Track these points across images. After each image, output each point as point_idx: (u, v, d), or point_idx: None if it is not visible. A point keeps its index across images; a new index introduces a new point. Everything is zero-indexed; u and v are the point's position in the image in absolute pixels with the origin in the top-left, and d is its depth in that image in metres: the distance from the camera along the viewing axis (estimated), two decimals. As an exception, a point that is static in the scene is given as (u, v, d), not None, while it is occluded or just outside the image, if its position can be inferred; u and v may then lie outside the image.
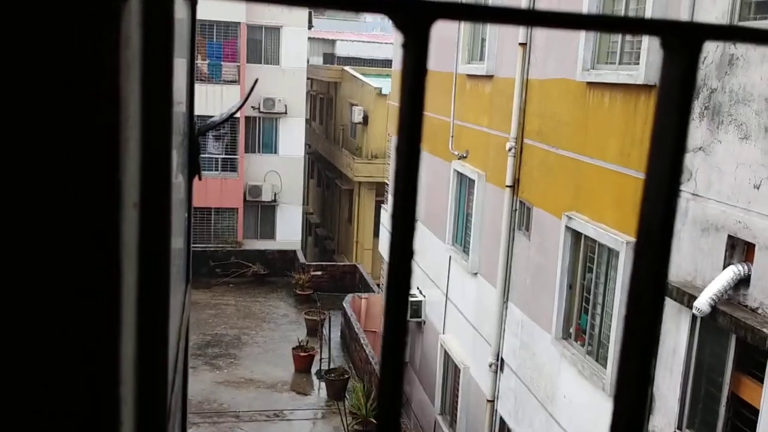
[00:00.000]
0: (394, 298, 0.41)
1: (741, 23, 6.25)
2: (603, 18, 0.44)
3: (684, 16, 6.79)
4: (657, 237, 0.45)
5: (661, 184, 0.44)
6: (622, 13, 8.11)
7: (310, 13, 27.18)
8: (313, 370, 17.74)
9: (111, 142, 0.51)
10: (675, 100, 0.43)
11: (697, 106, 6.68)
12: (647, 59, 7.33)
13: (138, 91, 0.63)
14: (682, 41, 0.43)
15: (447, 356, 13.27)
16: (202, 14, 24.60)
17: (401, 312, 0.41)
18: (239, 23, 25.42)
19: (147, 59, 0.66)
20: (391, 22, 0.39)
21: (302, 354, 17.67)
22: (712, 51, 6.45)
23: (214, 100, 24.84)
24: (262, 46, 26.31)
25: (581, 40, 8.61)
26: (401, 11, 0.38)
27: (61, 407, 0.52)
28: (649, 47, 7.32)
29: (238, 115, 25.29)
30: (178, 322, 1.31)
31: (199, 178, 1.74)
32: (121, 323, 0.54)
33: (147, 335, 0.68)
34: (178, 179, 1.33)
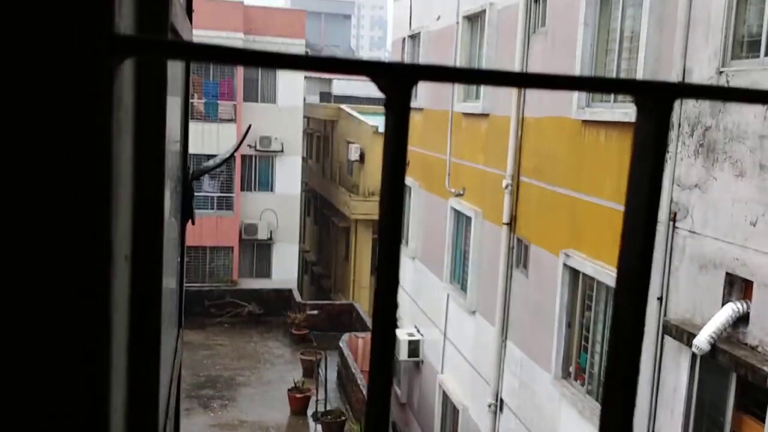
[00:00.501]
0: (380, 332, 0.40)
1: (733, 61, 6.32)
2: (577, 79, 0.48)
3: (677, 55, 6.87)
4: (635, 283, 0.47)
5: (637, 235, 0.46)
6: (616, 55, 8.21)
7: (306, 52, 27.46)
8: (309, 411, 17.48)
9: (101, 200, 0.52)
10: (648, 157, 0.46)
11: (692, 144, 6.72)
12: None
13: (130, 148, 0.63)
14: (654, 100, 0.45)
15: (445, 397, 13.11)
16: (199, 54, 24.93)
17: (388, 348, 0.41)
18: (236, 63, 25.66)
19: (140, 118, 0.67)
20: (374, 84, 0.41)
21: (298, 395, 17.44)
22: (705, 89, 6.51)
23: (210, 139, 24.96)
24: (259, 84, 26.55)
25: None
26: (383, 75, 0.40)
27: None
28: (643, 86, 7.38)
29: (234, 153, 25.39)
30: (170, 368, 1.28)
31: (192, 223, 1.72)
32: (110, 375, 0.55)
33: (138, 386, 0.66)
34: (170, 223, 1.32)
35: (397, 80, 0.40)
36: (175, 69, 1.44)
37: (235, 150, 2.77)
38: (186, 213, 1.66)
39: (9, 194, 0.49)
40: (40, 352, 0.51)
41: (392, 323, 0.43)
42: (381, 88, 0.40)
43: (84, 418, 0.51)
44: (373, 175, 25.35)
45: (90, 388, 0.51)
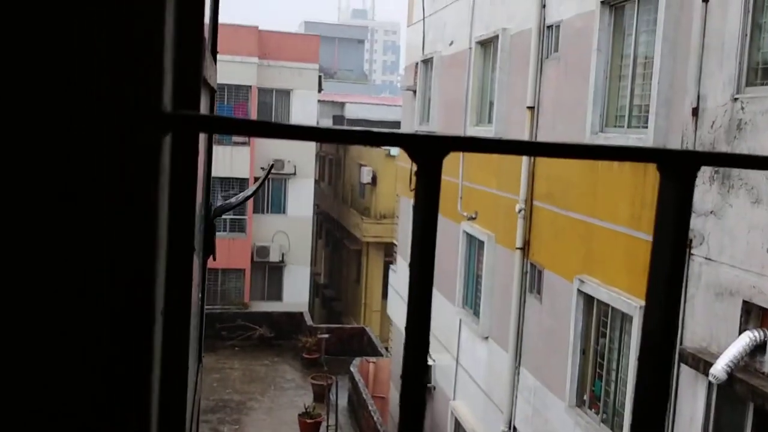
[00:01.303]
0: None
1: (748, 88, 6.29)
2: (602, 147, 0.48)
3: (691, 82, 6.85)
4: (660, 355, 0.46)
5: (660, 305, 0.46)
6: (629, 81, 8.20)
7: (320, 77, 27.72)
8: (320, 436, 17.35)
9: (148, 259, 0.55)
10: (672, 224, 0.45)
11: (707, 170, 6.67)
12: (656, 123, 7.37)
13: (166, 209, 0.66)
14: (677, 168, 0.45)
15: (458, 424, 12.97)
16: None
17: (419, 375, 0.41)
18: (250, 86, 25.93)
19: (174, 182, 0.71)
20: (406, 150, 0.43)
21: (308, 421, 17.31)
22: (720, 115, 6.48)
23: (224, 162, 25.12)
24: (273, 108, 26.76)
25: (589, 103, 8.69)
26: (416, 145, 0.42)
27: None
28: (657, 111, 7.36)
29: (247, 176, 25.52)
30: (190, 406, 1.28)
31: (214, 259, 1.73)
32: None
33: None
34: (194, 262, 1.32)
35: (428, 151, 0.42)
36: (205, 101, 1.44)
37: (258, 189, 2.80)
38: (208, 250, 1.67)
39: (62, 262, 0.52)
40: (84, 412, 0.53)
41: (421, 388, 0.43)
42: (413, 159, 0.42)
43: None
44: (385, 197, 25.39)
45: None
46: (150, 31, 0.52)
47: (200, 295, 1.67)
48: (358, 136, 0.39)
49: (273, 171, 26.40)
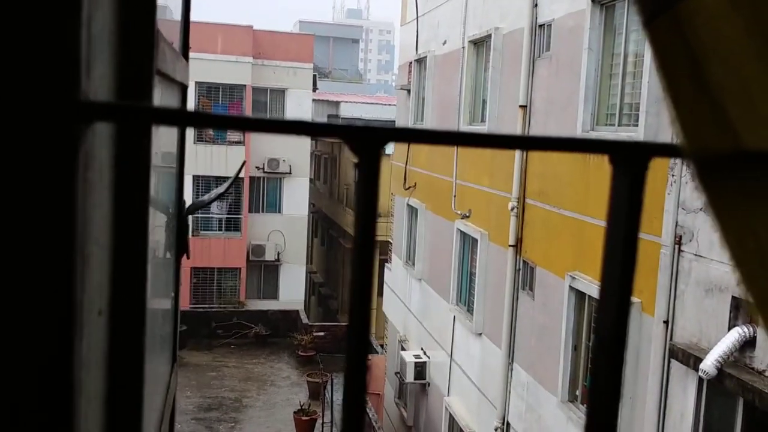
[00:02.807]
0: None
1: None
2: (551, 139, 0.47)
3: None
4: (612, 345, 0.47)
5: (614, 295, 0.46)
6: (620, 79, 8.25)
7: (314, 76, 27.71)
8: (316, 433, 17.38)
9: (64, 260, 0.52)
10: (624, 216, 0.45)
11: (696, 167, 6.73)
12: (646, 120, 7.42)
13: (108, 204, 0.64)
14: (629, 160, 0.45)
15: (452, 420, 13.02)
16: (208, 77, 25.09)
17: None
18: (245, 86, 25.90)
19: (121, 174, 0.68)
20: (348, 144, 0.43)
21: (304, 418, 17.35)
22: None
23: (219, 161, 25.10)
24: (267, 107, 26.74)
25: (580, 102, 8.74)
26: (355, 137, 0.41)
27: None
28: (647, 109, 7.42)
29: (242, 175, 25.50)
30: (160, 406, 1.29)
31: (188, 257, 1.75)
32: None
33: None
34: (162, 261, 1.34)
35: (367, 143, 0.42)
36: (171, 102, 1.47)
37: (229, 186, 2.82)
38: (181, 248, 1.69)
39: None
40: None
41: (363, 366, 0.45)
42: (353, 151, 0.42)
43: None
44: (380, 196, 25.37)
45: None
46: (64, 16, 0.50)
47: (174, 294, 1.68)
48: (293, 127, 0.41)
49: (269, 170, 26.40)
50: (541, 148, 0.48)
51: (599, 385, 0.48)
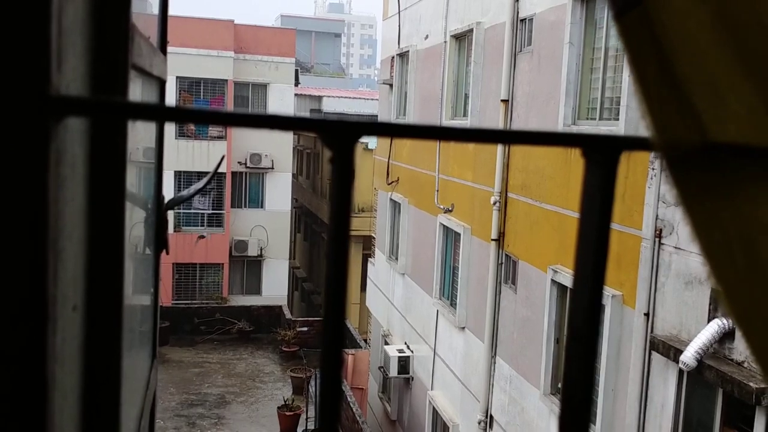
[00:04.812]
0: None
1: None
2: (524, 133, 0.47)
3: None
4: (584, 334, 0.47)
5: (586, 283, 0.46)
6: (601, 73, 8.30)
7: (296, 71, 27.61)
8: (300, 429, 17.38)
9: (37, 255, 0.51)
10: (597, 208, 0.46)
11: (676, 161, 6.79)
12: (627, 114, 7.48)
13: (82, 199, 0.64)
14: (601, 153, 0.46)
15: (436, 413, 13.07)
16: (189, 71, 24.93)
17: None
18: (226, 80, 25.76)
19: (95, 170, 0.68)
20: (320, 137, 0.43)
21: (288, 413, 17.34)
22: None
23: (200, 156, 24.96)
24: (249, 102, 26.61)
25: (562, 96, 8.78)
26: (328, 131, 0.41)
27: None
28: (628, 103, 7.47)
29: (224, 170, 25.39)
30: (140, 403, 1.29)
31: (167, 253, 1.74)
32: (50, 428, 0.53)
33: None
34: (140, 256, 1.33)
35: (341, 136, 0.42)
36: (149, 92, 1.45)
37: (208, 182, 2.80)
38: (160, 243, 1.68)
39: None
40: None
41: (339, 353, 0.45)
42: (326, 144, 0.42)
43: None
44: (362, 191, 25.39)
45: None
46: (32, 8, 0.49)
47: (153, 290, 1.67)
48: (267, 121, 0.41)
49: (251, 165, 26.29)
50: (516, 142, 0.48)
51: (572, 372, 0.48)
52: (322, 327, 0.45)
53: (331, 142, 0.41)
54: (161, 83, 1.67)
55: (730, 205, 0.42)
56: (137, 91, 1.15)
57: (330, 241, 0.42)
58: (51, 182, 0.51)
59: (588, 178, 0.46)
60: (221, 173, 25.39)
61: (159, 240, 1.66)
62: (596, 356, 0.49)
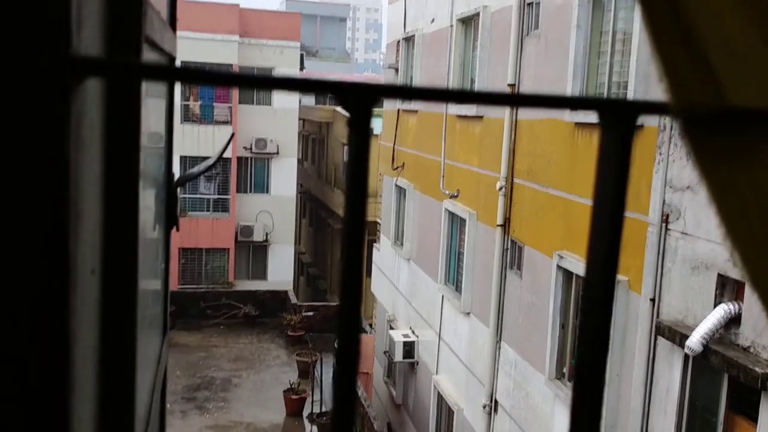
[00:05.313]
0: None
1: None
2: (540, 97, 0.46)
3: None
4: (599, 308, 0.47)
5: (601, 254, 0.47)
6: (608, 57, 8.24)
7: (301, 55, 27.52)
8: (305, 413, 17.49)
9: (58, 216, 0.52)
10: (612, 174, 0.45)
11: (683, 146, 6.75)
12: (634, 98, 7.41)
13: (98, 163, 0.64)
14: (617, 118, 0.45)
15: (440, 398, 13.12)
16: (194, 56, 24.88)
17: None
18: (231, 65, 25.68)
19: (111, 130, 0.68)
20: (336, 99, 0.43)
21: (294, 397, 17.44)
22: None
23: (206, 141, 24.96)
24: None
25: (569, 80, 8.73)
26: (346, 93, 0.41)
27: None
28: (635, 87, 7.42)
29: (229, 155, 25.38)
30: (151, 376, 1.29)
31: (177, 229, 1.74)
32: (70, 390, 0.54)
33: (111, 399, 0.68)
34: (152, 230, 1.33)
35: (359, 98, 0.41)
36: (158, 91, 1.45)
37: (218, 158, 2.80)
38: (170, 219, 1.68)
39: None
40: None
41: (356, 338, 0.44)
42: (344, 107, 0.42)
43: (47, 426, 0.51)
44: (369, 175, 25.35)
45: (50, 394, 0.52)
46: None
47: (164, 265, 1.68)
48: (283, 83, 0.41)
49: (256, 150, 26.27)
50: (530, 105, 0.48)
51: (589, 346, 0.47)
52: (339, 290, 0.44)
53: (349, 104, 0.41)
54: (171, 60, 1.67)
55: (747, 168, 0.42)
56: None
57: (348, 201, 0.42)
58: (72, 142, 0.52)
59: (604, 143, 0.46)
60: (227, 158, 25.39)
61: (170, 216, 1.66)
62: (611, 328, 0.49)
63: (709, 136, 0.43)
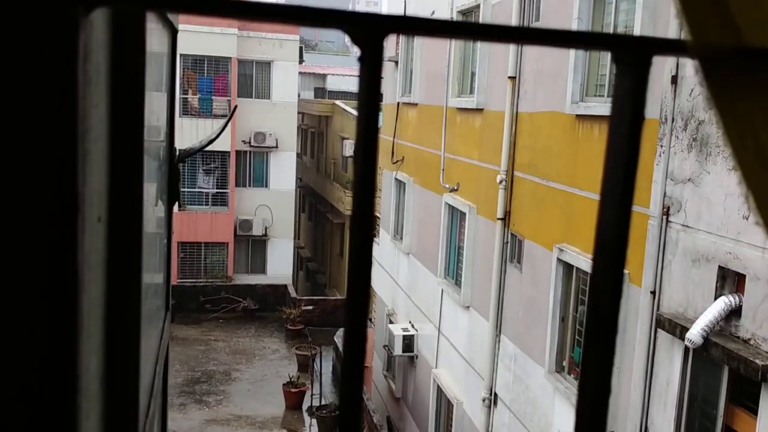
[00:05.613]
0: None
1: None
2: (550, 32, 0.45)
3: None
4: (612, 245, 0.46)
5: (615, 195, 0.46)
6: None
7: (300, 48, 27.44)
8: (305, 406, 17.50)
9: (67, 154, 0.52)
10: (627, 113, 0.44)
11: (685, 138, 6.74)
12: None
13: (105, 104, 0.63)
14: (632, 55, 0.45)
15: (440, 391, 13.13)
16: (193, 49, 24.81)
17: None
18: (230, 58, 25.62)
19: (116, 72, 0.67)
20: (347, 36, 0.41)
21: (293, 390, 17.45)
22: (699, 83, 6.53)
23: (205, 134, 24.84)
24: (253, 80, 26.50)
25: (570, 73, 8.70)
26: (356, 26, 0.40)
27: (13, 418, 0.49)
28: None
29: (228, 149, 25.34)
30: (155, 347, 1.28)
31: (179, 206, 1.73)
32: (78, 333, 0.54)
33: (116, 345, 0.66)
34: (157, 205, 1.32)
35: (371, 30, 0.40)
36: (161, 45, 1.43)
37: (221, 131, 2.78)
38: (173, 194, 1.67)
39: None
40: (6, 303, 0.50)
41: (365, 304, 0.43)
42: (354, 40, 0.40)
43: (54, 370, 0.50)
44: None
45: (59, 340, 0.51)
46: None
47: (166, 241, 1.67)
48: (289, 14, 0.39)
49: (255, 144, 26.23)
50: (541, 42, 0.46)
51: (599, 294, 0.46)
52: (350, 244, 0.42)
53: (360, 37, 0.39)
54: (173, 33, 1.65)
55: (763, 110, 0.41)
56: (153, 40, 1.12)
57: (358, 142, 0.40)
58: (80, 75, 0.51)
59: (618, 82, 0.45)
60: (225, 152, 25.34)
61: (172, 191, 1.65)
62: (622, 275, 0.48)
63: (725, 76, 0.42)
